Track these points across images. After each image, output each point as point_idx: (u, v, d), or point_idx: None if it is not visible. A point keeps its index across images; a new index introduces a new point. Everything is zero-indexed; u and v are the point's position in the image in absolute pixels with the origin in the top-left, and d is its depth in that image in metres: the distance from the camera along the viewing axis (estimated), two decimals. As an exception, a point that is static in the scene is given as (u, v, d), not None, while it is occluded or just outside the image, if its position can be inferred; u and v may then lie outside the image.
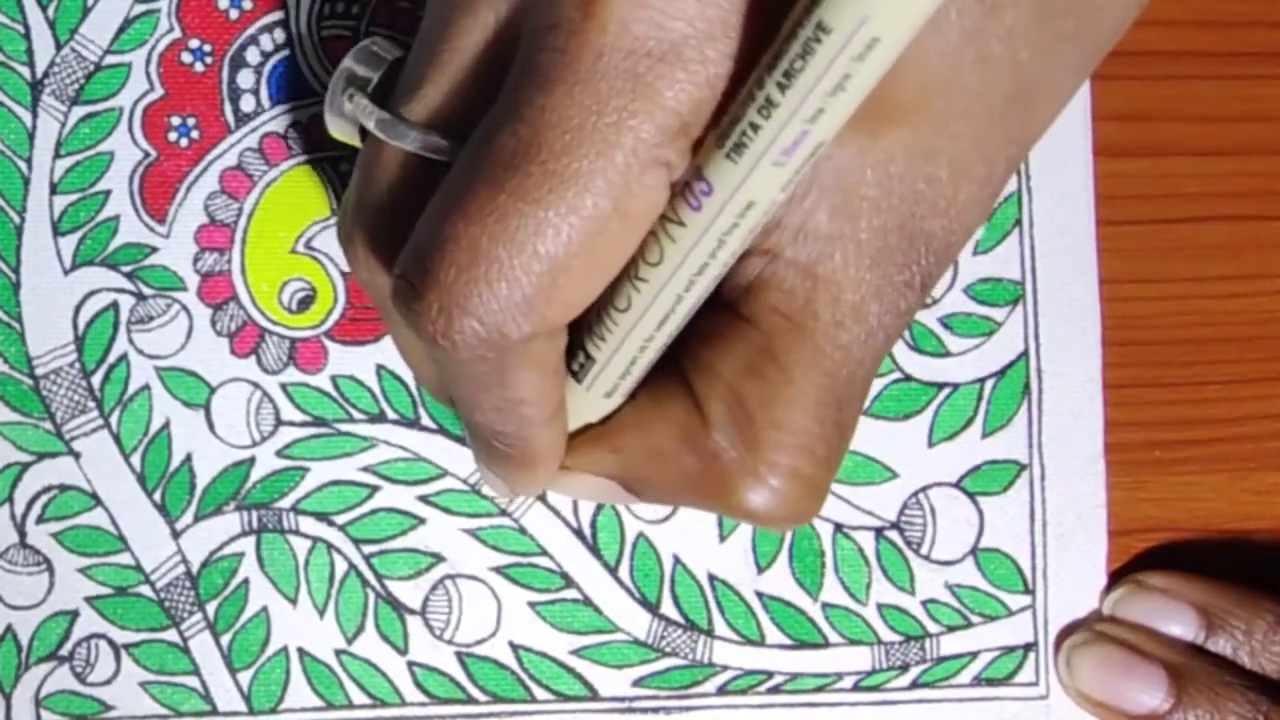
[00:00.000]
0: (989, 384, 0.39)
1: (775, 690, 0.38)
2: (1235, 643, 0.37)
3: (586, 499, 0.37)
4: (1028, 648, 0.38)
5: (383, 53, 0.31)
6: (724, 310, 0.30)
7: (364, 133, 0.30)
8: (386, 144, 0.29)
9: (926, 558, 0.39)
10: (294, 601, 0.38)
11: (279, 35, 0.38)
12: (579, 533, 0.38)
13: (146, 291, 0.38)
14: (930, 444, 0.39)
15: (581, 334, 0.30)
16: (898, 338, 0.31)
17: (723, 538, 0.38)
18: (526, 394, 0.29)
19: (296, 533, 0.38)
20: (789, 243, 0.29)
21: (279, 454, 0.38)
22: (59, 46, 0.38)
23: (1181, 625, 0.37)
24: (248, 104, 0.38)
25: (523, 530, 0.38)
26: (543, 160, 0.25)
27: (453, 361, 0.28)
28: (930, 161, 0.29)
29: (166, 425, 0.38)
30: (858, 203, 0.29)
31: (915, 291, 0.30)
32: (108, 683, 0.38)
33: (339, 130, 0.31)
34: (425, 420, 0.38)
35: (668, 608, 0.38)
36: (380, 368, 0.38)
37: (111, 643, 0.38)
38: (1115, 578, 0.38)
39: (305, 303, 0.38)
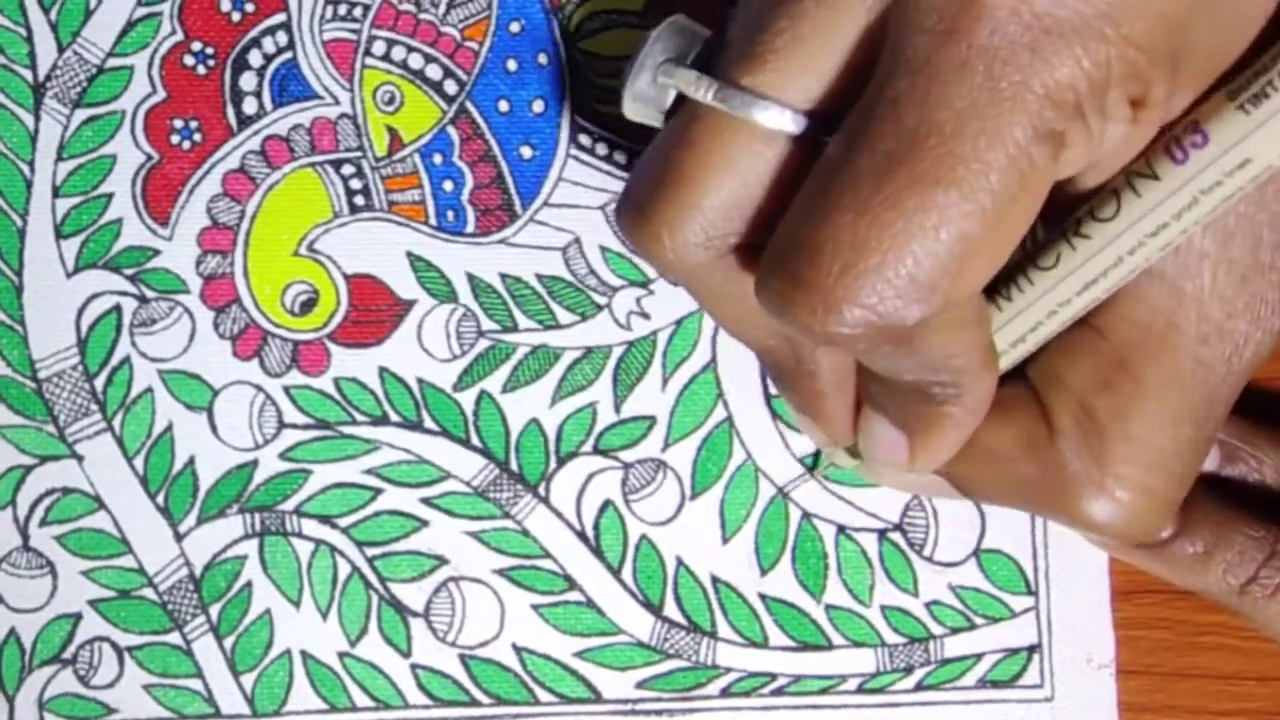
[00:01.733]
0: (992, 385, 0.39)
1: (779, 692, 0.38)
2: (1250, 471, 0.37)
3: (912, 491, 0.37)
4: (1031, 649, 0.38)
5: (695, 29, 0.29)
6: (1075, 323, 0.30)
7: (668, 114, 0.28)
8: (703, 125, 0.27)
9: (929, 559, 0.38)
10: (297, 604, 0.38)
11: (281, 38, 0.38)
12: (582, 535, 0.38)
13: (149, 294, 0.38)
14: (933, 445, 0.39)
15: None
16: (1268, 356, 0.30)
17: (725, 539, 0.38)
18: (950, 349, 0.27)
19: (299, 535, 0.38)
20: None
21: (282, 457, 0.38)
22: (61, 49, 0.38)
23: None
24: (250, 106, 0.38)
25: (525, 532, 0.38)
26: (932, 145, 0.24)
27: (856, 350, 0.27)
28: None
29: (169, 428, 0.38)
30: (1234, 219, 0.28)
31: None
32: (111, 686, 0.38)
33: (637, 110, 0.29)
34: (428, 423, 0.38)
35: (671, 610, 0.38)
36: (383, 370, 0.38)
37: (115, 645, 0.38)
38: (1117, 578, 0.38)
39: (308, 305, 0.38)
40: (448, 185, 0.38)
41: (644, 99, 0.29)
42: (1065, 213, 0.29)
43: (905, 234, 0.25)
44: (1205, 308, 0.29)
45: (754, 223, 0.28)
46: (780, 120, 0.26)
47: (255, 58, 0.38)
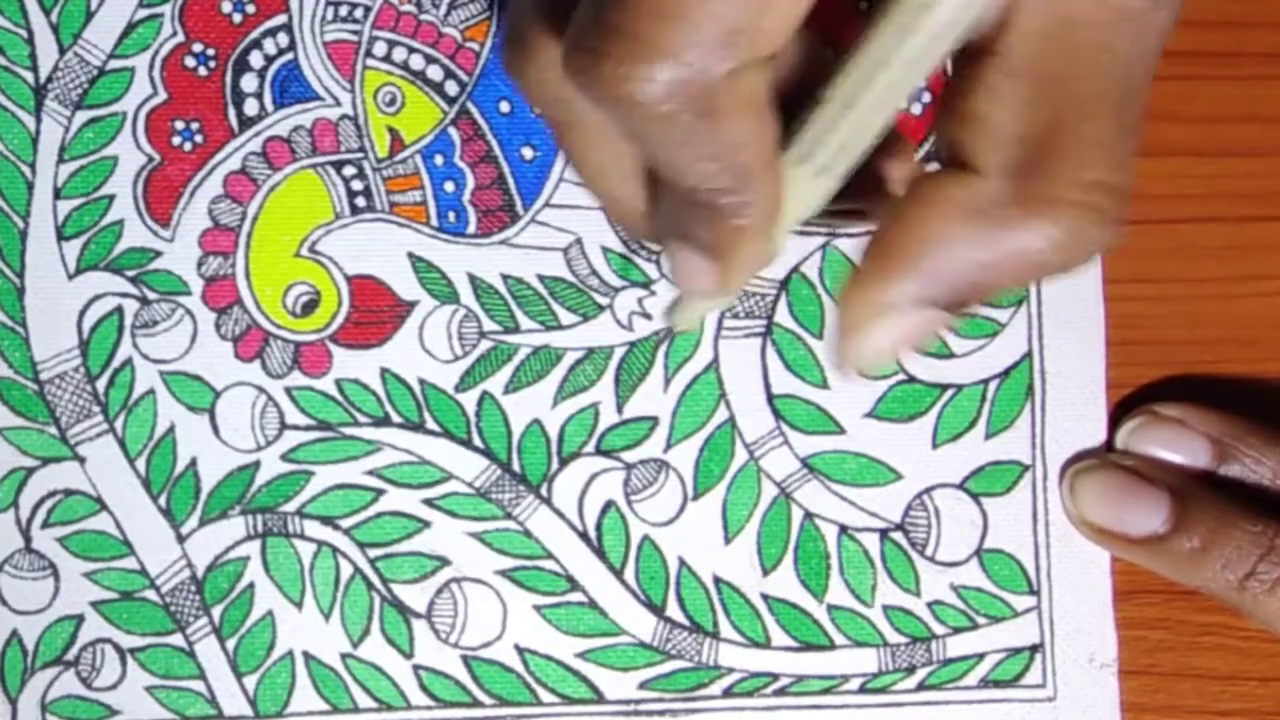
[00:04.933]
0: (992, 385, 0.39)
1: (781, 693, 0.38)
2: (1247, 470, 0.37)
3: (910, 345, 0.32)
4: (1034, 649, 0.38)
5: None
6: (976, 58, 0.28)
7: None
8: None
9: (931, 559, 0.39)
10: (299, 605, 0.38)
11: (282, 39, 0.38)
12: (584, 536, 0.38)
13: (151, 296, 0.38)
14: (934, 445, 0.39)
15: (790, 109, 0.28)
16: (1169, 32, 0.28)
17: (728, 540, 0.39)
18: (742, 134, 0.27)
19: (301, 536, 0.38)
20: None
21: (284, 458, 0.38)
22: (62, 51, 0.38)
23: (1194, 454, 0.37)
24: (251, 108, 0.38)
25: (527, 533, 0.38)
26: None
27: (654, 117, 0.26)
28: None
29: (171, 430, 0.38)
30: None
31: None
32: (113, 687, 0.38)
33: None
34: (430, 424, 0.38)
35: (673, 610, 0.38)
36: (385, 371, 0.38)
37: (117, 647, 0.38)
38: (1118, 578, 0.39)
39: (309, 306, 0.38)
40: (449, 186, 0.38)
41: None
42: None
43: None
44: None
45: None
46: None
47: (256, 59, 0.38)
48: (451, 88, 0.38)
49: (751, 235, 0.29)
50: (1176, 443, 0.37)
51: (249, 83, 0.38)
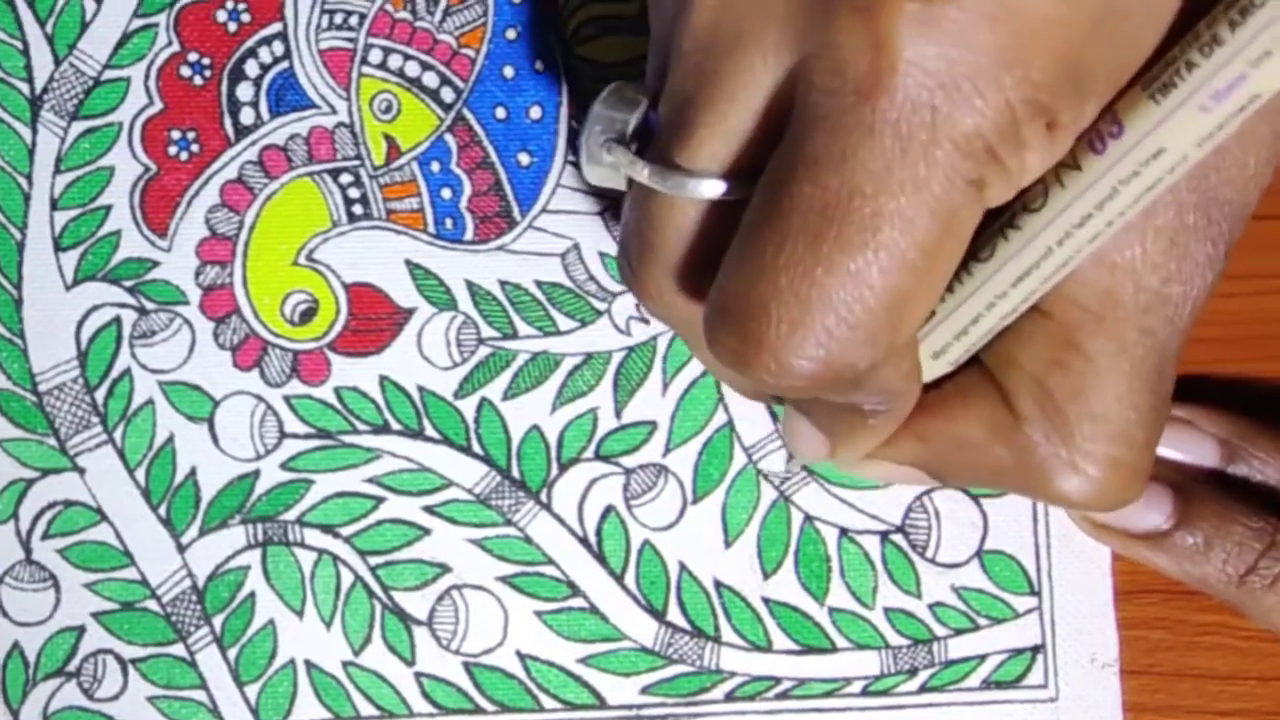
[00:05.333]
0: (991, 386, 0.39)
1: (783, 696, 0.38)
2: (1253, 470, 0.37)
3: (889, 481, 0.36)
4: (1035, 650, 0.38)
5: (634, 95, 0.31)
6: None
7: (630, 179, 0.30)
8: (651, 198, 0.29)
9: (932, 561, 0.39)
10: (300, 614, 0.38)
11: (278, 48, 0.38)
12: (585, 541, 0.38)
13: (149, 306, 0.38)
14: (933, 447, 0.39)
15: None
16: (1204, 306, 0.31)
17: (728, 544, 0.39)
18: (891, 381, 0.29)
19: (302, 545, 0.38)
20: None
21: (283, 466, 0.38)
22: (58, 62, 0.38)
23: (1201, 455, 0.37)
24: (247, 117, 0.38)
25: (528, 539, 0.38)
26: (857, 206, 0.25)
27: (800, 391, 0.28)
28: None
29: (170, 440, 0.38)
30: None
31: (1218, 260, 0.30)
32: (115, 698, 0.38)
33: (599, 178, 0.31)
34: (429, 431, 0.38)
35: (674, 615, 0.38)
36: (383, 379, 0.38)
37: (119, 658, 0.38)
38: (1119, 578, 0.39)
39: (307, 315, 0.38)
40: (446, 193, 0.38)
41: (599, 173, 0.31)
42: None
43: (843, 291, 0.26)
44: (1140, 277, 0.30)
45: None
46: (713, 190, 0.28)
47: (252, 68, 0.38)
48: (447, 94, 0.38)
49: (880, 431, 0.32)
50: (1185, 443, 0.37)
51: (245, 91, 0.38)
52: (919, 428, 0.32)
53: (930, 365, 0.32)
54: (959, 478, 0.33)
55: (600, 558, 0.38)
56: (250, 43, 0.38)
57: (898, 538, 0.39)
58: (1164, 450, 0.37)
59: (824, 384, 0.27)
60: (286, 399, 0.38)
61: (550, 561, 0.38)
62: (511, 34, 0.38)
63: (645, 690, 0.38)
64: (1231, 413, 0.38)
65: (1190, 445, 0.37)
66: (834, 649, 0.38)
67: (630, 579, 0.38)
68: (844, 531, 0.39)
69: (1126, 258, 0.30)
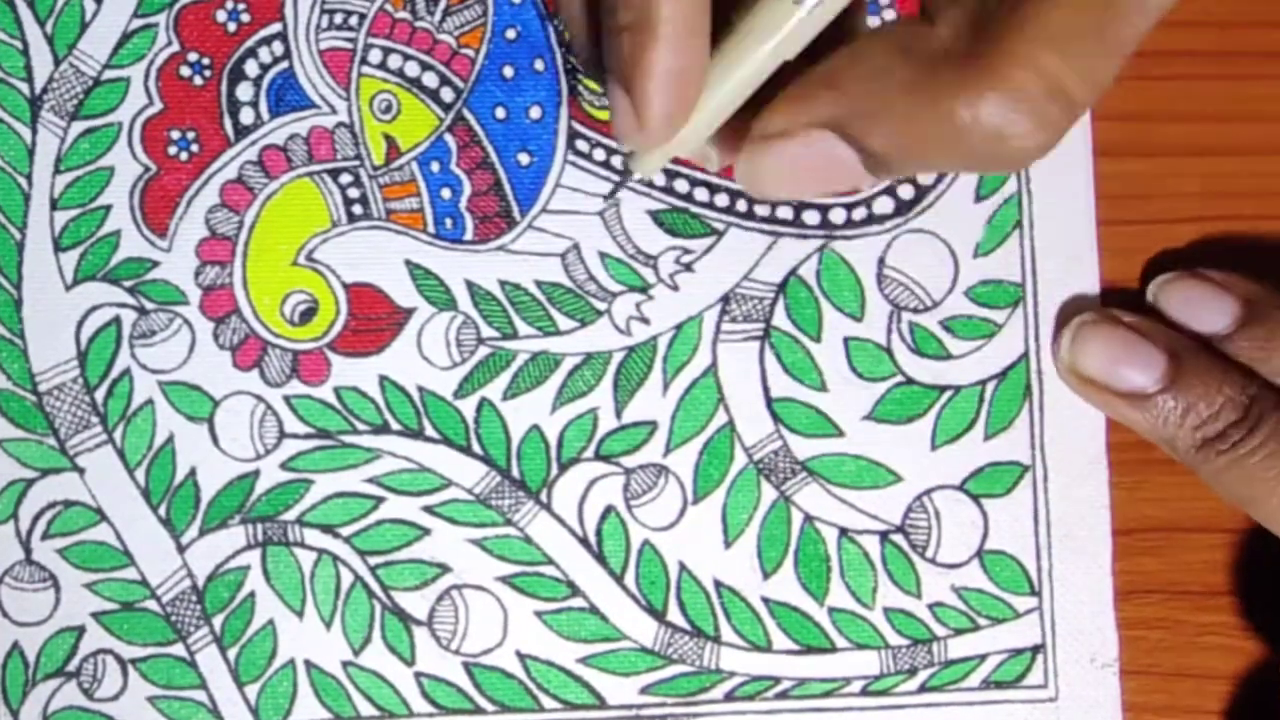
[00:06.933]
0: (990, 386, 0.39)
1: (783, 696, 0.38)
2: (1265, 339, 0.36)
3: (806, 186, 0.30)
4: (1035, 650, 0.38)
5: None
6: None
7: None
8: None
9: (932, 561, 0.39)
10: (300, 614, 0.38)
11: (277, 48, 0.38)
12: (584, 541, 0.38)
13: (148, 306, 0.38)
14: (933, 447, 0.39)
15: None
16: None
17: (728, 544, 0.39)
18: None
19: (302, 545, 0.38)
20: None
21: (283, 467, 0.38)
22: (57, 62, 0.38)
23: (1221, 315, 0.37)
24: (247, 117, 0.38)
25: (528, 539, 0.38)
26: None
27: None
28: None
29: (170, 440, 0.38)
30: None
31: None
32: (115, 698, 0.38)
33: None
34: (429, 431, 0.38)
35: (674, 615, 0.38)
36: (383, 379, 0.38)
37: (118, 658, 0.38)
38: (1119, 578, 0.39)
39: (307, 315, 0.38)
40: (445, 193, 0.38)
41: None
42: None
43: None
44: None
45: None
46: None
47: (252, 68, 0.38)
48: (447, 94, 0.38)
49: (655, 55, 0.28)
50: (1208, 300, 0.37)
51: (244, 91, 0.38)
52: (829, 74, 0.28)
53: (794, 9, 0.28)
54: (876, 128, 0.28)
55: (600, 558, 0.38)
56: (250, 43, 0.38)
57: (898, 538, 0.39)
58: (1188, 305, 0.37)
59: None
60: (286, 399, 0.38)
61: (550, 561, 0.38)
62: (511, 34, 0.38)
63: (645, 690, 0.38)
64: (1257, 280, 0.37)
65: (1212, 301, 0.37)
66: (834, 649, 0.38)
67: (630, 579, 0.38)
68: (844, 531, 0.39)
69: None
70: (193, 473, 0.38)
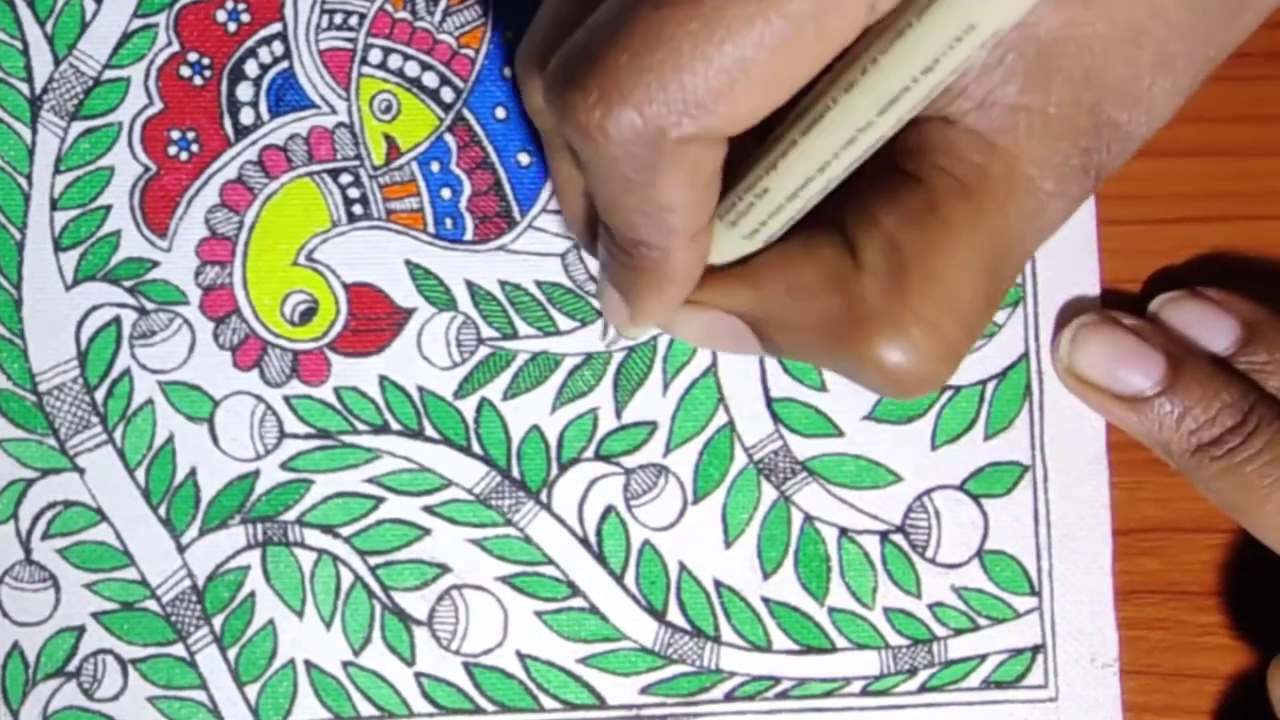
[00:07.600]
0: (990, 386, 0.39)
1: (783, 696, 0.38)
2: (1265, 360, 0.37)
3: (708, 345, 0.35)
4: (1036, 650, 0.38)
5: None
6: (891, 171, 0.30)
7: None
8: None
9: (932, 561, 0.39)
10: (300, 614, 0.38)
11: (277, 48, 0.38)
12: (584, 541, 0.38)
13: (148, 306, 0.38)
14: (933, 447, 0.39)
15: (732, 176, 0.30)
16: (1061, 224, 0.31)
17: (728, 544, 0.39)
18: (675, 200, 0.28)
19: (302, 545, 0.38)
20: (971, 110, 0.29)
21: (283, 467, 0.38)
22: (57, 62, 0.38)
23: (1221, 336, 0.37)
24: (247, 117, 0.38)
25: (528, 539, 0.38)
26: None
27: (602, 157, 0.27)
28: (1135, 44, 0.29)
29: (170, 440, 0.38)
30: (1053, 75, 0.29)
31: (1089, 180, 0.30)
32: (115, 698, 0.38)
33: None
34: (429, 431, 0.38)
35: (674, 615, 0.38)
36: (383, 379, 0.38)
37: (118, 658, 0.38)
38: (1119, 578, 0.39)
39: (307, 315, 0.38)
40: (446, 193, 0.38)
41: None
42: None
43: (690, 43, 0.25)
44: (1015, 162, 0.29)
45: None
46: None
47: (252, 68, 0.38)
48: (447, 94, 0.38)
49: (659, 294, 0.31)
50: (1208, 319, 0.37)
51: (244, 91, 0.38)
52: (754, 274, 0.32)
53: (742, 245, 0.31)
54: (784, 334, 0.32)
55: (600, 558, 0.38)
56: (250, 43, 0.38)
57: (898, 538, 0.39)
58: (1189, 324, 0.37)
59: (632, 143, 0.26)
60: (286, 399, 0.38)
61: (550, 561, 0.38)
62: (511, 34, 0.38)
63: (645, 690, 0.38)
64: (1258, 302, 0.37)
65: (1212, 321, 0.37)
66: (834, 649, 0.38)
67: (630, 579, 0.38)
68: (844, 531, 0.39)
69: (1007, 139, 0.29)
70: (193, 473, 0.38)
